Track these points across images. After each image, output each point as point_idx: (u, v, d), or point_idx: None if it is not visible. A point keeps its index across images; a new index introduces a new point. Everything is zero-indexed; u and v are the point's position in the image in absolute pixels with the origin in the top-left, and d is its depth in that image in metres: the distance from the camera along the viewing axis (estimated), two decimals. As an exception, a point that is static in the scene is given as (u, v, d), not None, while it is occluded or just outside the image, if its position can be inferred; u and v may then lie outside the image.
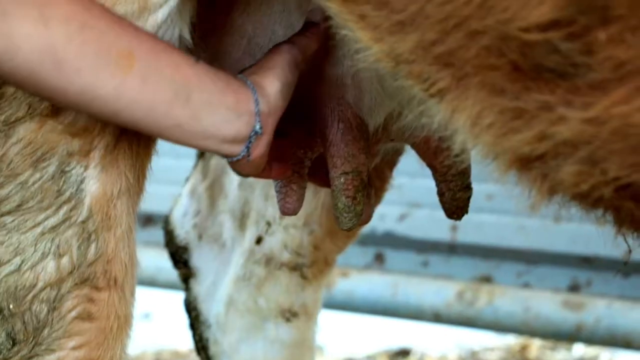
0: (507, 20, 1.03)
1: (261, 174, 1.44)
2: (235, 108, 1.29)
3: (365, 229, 2.20)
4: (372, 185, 1.62)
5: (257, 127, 1.31)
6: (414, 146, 1.62)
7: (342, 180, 1.49)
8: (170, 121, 1.25)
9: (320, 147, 1.54)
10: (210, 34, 1.54)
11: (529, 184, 1.15)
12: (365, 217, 1.56)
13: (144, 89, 1.22)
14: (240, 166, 1.37)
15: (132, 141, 1.36)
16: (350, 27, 1.20)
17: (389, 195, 1.97)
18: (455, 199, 1.64)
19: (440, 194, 1.64)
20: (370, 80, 1.47)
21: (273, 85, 1.35)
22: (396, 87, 1.40)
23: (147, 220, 3.50)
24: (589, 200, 1.10)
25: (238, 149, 1.32)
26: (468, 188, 1.64)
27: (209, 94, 1.26)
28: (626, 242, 1.19)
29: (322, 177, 1.58)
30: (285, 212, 1.56)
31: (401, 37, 1.14)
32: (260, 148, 1.33)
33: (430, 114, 1.19)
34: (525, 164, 1.13)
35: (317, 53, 1.46)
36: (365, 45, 1.20)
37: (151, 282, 3.36)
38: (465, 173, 1.62)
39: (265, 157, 1.37)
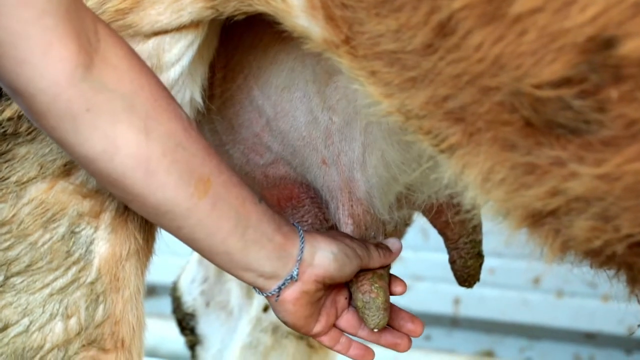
0: (520, 77, 1.02)
1: (303, 327, 1.42)
2: (279, 249, 1.33)
3: (369, 300, 2.19)
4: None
5: (295, 272, 1.34)
6: (426, 213, 1.61)
7: (353, 279, 1.44)
8: (223, 248, 1.30)
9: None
10: (227, 105, 1.55)
11: (541, 241, 1.13)
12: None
13: (212, 215, 1.27)
14: (271, 303, 1.39)
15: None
16: (361, 82, 1.21)
17: (391, 269, 1.96)
18: (466, 266, 1.62)
19: (452, 261, 1.63)
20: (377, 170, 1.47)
21: (328, 246, 1.37)
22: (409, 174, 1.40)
23: (151, 290, 3.49)
24: (601, 257, 1.09)
25: (270, 286, 1.35)
26: (479, 255, 1.63)
27: (261, 233, 1.31)
28: (639, 301, 1.18)
29: None
30: None
31: (412, 93, 1.14)
32: (291, 293, 1.36)
33: (440, 169, 1.18)
34: (537, 220, 1.12)
35: None
36: (375, 100, 1.20)
37: (153, 353, 3.34)
38: (476, 240, 1.62)
39: (299, 306, 1.38)
